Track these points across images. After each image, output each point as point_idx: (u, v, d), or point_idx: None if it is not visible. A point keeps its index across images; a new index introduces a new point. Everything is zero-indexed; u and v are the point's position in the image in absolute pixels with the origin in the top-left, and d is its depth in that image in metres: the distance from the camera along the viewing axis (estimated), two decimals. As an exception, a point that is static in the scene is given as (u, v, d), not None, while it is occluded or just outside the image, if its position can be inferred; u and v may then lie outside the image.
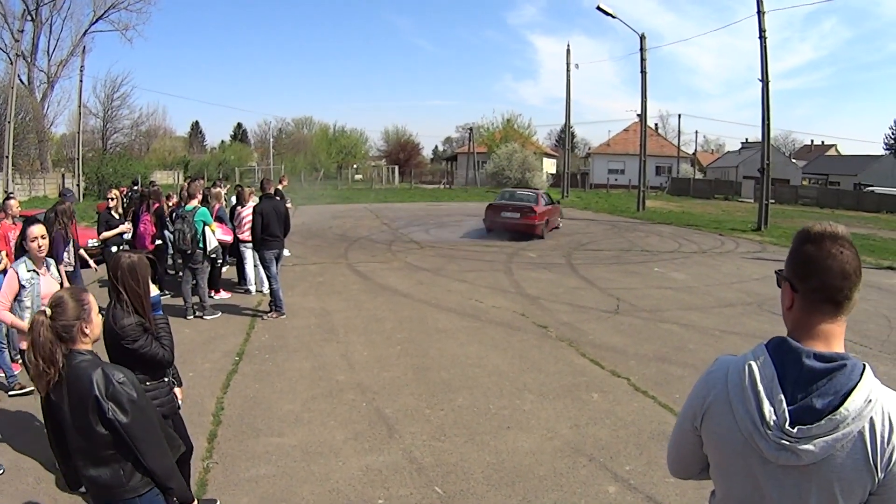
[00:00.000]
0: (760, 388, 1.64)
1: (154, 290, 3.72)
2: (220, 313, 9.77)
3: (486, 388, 6.85)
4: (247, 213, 10.80)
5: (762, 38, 24.24)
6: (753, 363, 1.69)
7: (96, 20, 45.70)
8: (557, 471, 5.06)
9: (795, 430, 1.56)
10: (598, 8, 29.64)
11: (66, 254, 7.88)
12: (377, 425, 5.80)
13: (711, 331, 9.76)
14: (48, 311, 2.68)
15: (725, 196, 53.02)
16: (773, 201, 26.83)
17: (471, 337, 8.88)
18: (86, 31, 45.20)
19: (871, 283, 14.92)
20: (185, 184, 11.84)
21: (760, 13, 24.07)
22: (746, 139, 73.48)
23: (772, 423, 1.60)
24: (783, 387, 1.62)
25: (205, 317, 9.53)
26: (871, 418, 1.54)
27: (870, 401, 1.55)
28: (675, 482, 4.50)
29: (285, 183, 11.79)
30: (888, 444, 1.54)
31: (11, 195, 9.44)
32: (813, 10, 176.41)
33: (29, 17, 40.66)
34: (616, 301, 11.45)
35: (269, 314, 9.62)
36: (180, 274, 10.69)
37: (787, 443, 1.57)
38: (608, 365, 7.76)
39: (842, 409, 1.53)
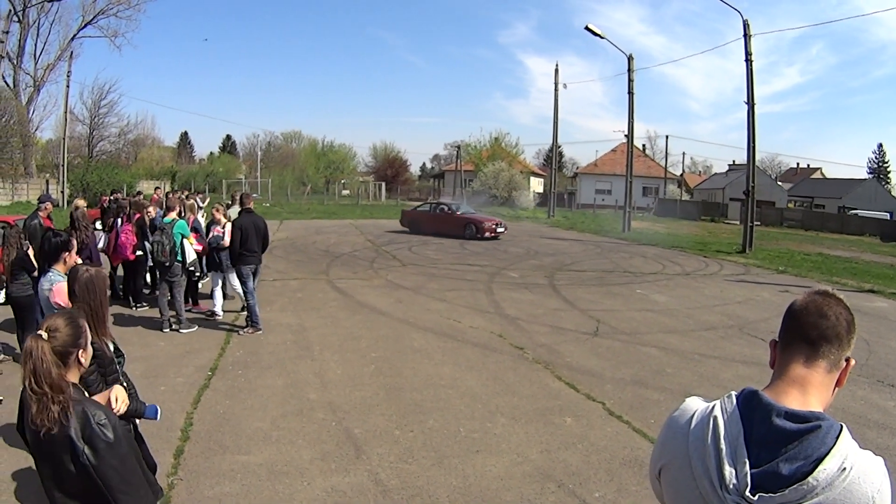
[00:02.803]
0: (723, 445, 1.50)
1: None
2: (197, 327, 9.68)
3: (457, 410, 6.79)
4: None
5: (748, 60, 24.56)
6: (720, 416, 1.55)
7: (84, 25, 45.90)
8: (525, 496, 5.01)
9: (756, 497, 1.42)
10: (587, 28, 30.00)
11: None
12: (345, 445, 5.74)
13: (691, 355, 9.75)
14: (45, 335, 2.45)
15: (712, 218, 53.54)
16: (758, 223, 27.08)
17: (446, 357, 8.84)
18: (74, 35, 45.31)
19: (852, 307, 14.60)
20: (155, 195, 11.72)
21: (747, 36, 24.41)
22: (734, 161, 74.45)
23: (731, 486, 1.45)
24: (748, 447, 1.48)
25: (181, 330, 9.44)
26: (844, 488, 1.39)
27: (844, 469, 1.39)
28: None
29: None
30: None
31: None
32: (799, 35, 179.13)
33: (15, 19, 40.61)
34: (596, 323, 11.44)
35: (245, 329, 9.54)
36: (157, 290, 10.59)
37: None
38: (583, 388, 7.71)
39: (810, 478, 1.38)
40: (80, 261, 5.19)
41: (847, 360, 1.62)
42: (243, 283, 9.66)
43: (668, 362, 9.23)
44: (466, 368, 8.37)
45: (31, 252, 7.76)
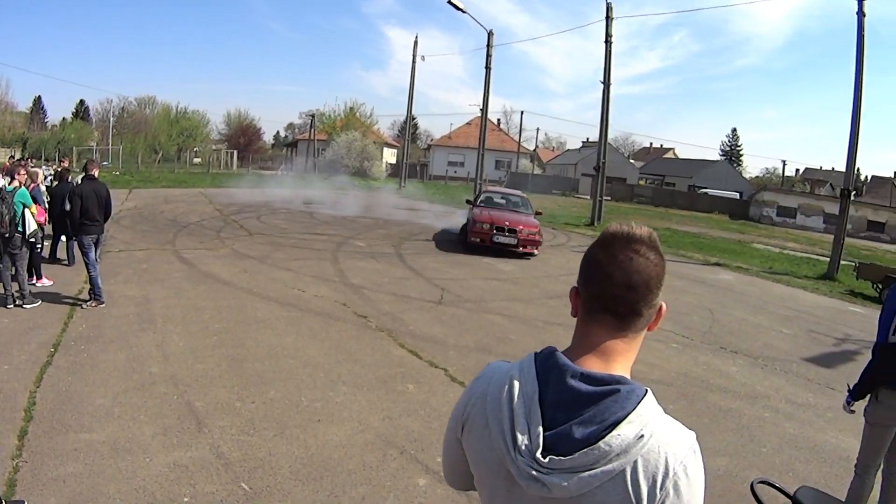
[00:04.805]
0: (518, 406, 1.40)
1: None
2: (41, 301, 9.22)
3: (299, 380, 6.91)
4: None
5: (608, 42, 25.77)
6: (516, 376, 1.45)
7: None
8: (367, 464, 5.17)
9: (547, 459, 1.32)
10: (449, 2, 30.10)
11: None
12: (187, 419, 5.74)
13: (535, 321, 10.30)
14: None
15: (563, 192, 55.55)
16: (609, 198, 28.35)
17: (289, 327, 8.91)
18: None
19: (697, 279, 16.30)
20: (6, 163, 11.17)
21: (609, 19, 25.51)
22: (587, 138, 77.26)
23: (523, 447, 1.35)
24: (543, 408, 1.38)
25: (24, 305, 8.98)
26: (642, 456, 1.30)
27: (641, 436, 1.30)
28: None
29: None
30: (661, 489, 1.31)
31: None
32: (664, 21, 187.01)
33: None
34: (441, 291, 11.87)
35: (88, 303, 9.21)
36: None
37: (537, 473, 1.33)
38: (426, 356, 8.04)
39: (601, 442, 1.29)
40: None
41: (659, 308, 1.49)
42: (84, 254, 9.29)
43: (512, 329, 9.72)
44: (309, 338, 8.49)
45: None
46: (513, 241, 17.00)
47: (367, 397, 6.58)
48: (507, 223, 17.25)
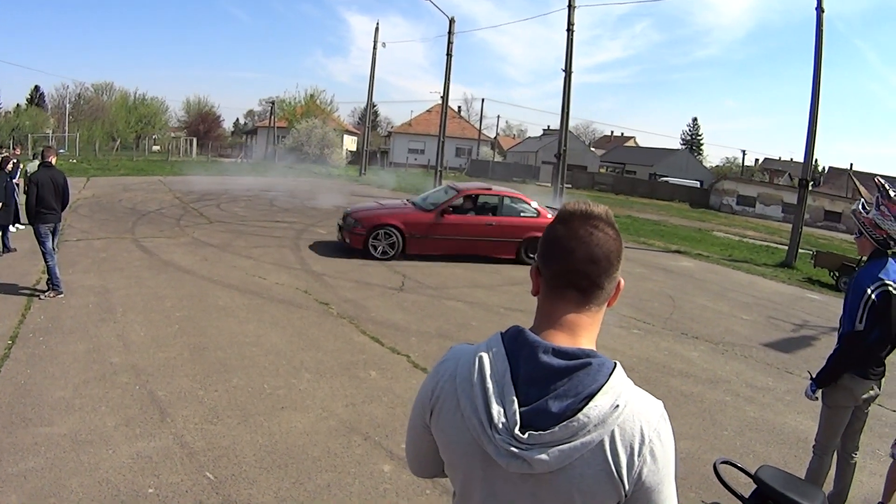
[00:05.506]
0: (490, 384, 1.41)
1: None
2: (-4, 293, 9.09)
3: (262, 368, 6.93)
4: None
5: (570, 30, 25.83)
6: (485, 355, 1.45)
7: None
8: (331, 451, 5.21)
9: (526, 435, 1.34)
10: (411, -13, 29.91)
11: None
12: (149, 409, 5.72)
13: (496, 308, 10.41)
14: None
15: (523, 179, 55.68)
16: (569, 186, 28.50)
17: (251, 314, 8.91)
18: None
19: (658, 265, 16.53)
20: None
21: (571, 7, 25.62)
22: (548, 126, 77.52)
23: (500, 425, 1.37)
24: (516, 385, 1.39)
25: (-22, 298, 8.88)
26: (618, 426, 1.35)
27: (617, 406, 1.34)
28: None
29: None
30: (638, 456, 1.36)
31: None
32: (626, 11, 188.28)
33: None
34: (402, 278, 11.92)
35: (46, 293, 9.07)
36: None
37: (517, 450, 1.35)
38: (388, 342, 8.11)
39: (580, 414, 1.32)
40: None
41: (618, 283, 1.53)
42: (41, 244, 9.10)
43: (473, 315, 9.82)
44: (271, 325, 8.50)
45: None
46: None
47: (330, 384, 6.63)
48: None
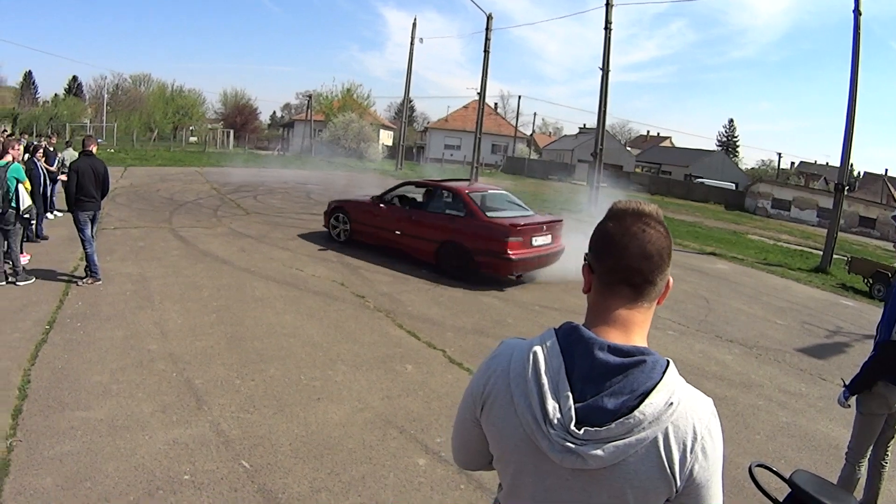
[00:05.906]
0: (545, 380, 1.42)
1: None
2: (34, 279, 9.12)
3: (298, 359, 6.90)
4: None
5: (608, 28, 25.59)
6: (539, 351, 1.47)
7: None
8: (367, 443, 5.16)
9: (582, 431, 1.37)
10: (448, -17, 29.86)
11: None
12: (186, 397, 5.71)
13: (531, 305, 10.29)
14: None
15: (559, 178, 55.33)
16: (605, 185, 28.24)
17: (288, 306, 8.89)
18: None
19: (693, 267, 16.28)
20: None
21: (608, 5, 25.45)
22: (584, 125, 77.13)
23: (555, 421, 1.39)
24: (571, 381, 1.41)
25: (18, 282, 8.91)
26: (672, 423, 1.37)
27: (671, 404, 1.37)
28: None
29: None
30: (690, 452, 1.39)
31: None
32: (662, 10, 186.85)
33: None
34: (436, 274, 11.78)
35: (84, 280, 9.14)
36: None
37: (572, 445, 1.37)
38: (424, 336, 8.04)
39: (637, 412, 1.35)
40: None
41: (667, 281, 1.56)
42: (80, 231, 9.16)
43: (509, 312, 9.71)
44: (308, 317, 8.48)
45: None
46: None
47: (366, 377, 6.57)
48: None
